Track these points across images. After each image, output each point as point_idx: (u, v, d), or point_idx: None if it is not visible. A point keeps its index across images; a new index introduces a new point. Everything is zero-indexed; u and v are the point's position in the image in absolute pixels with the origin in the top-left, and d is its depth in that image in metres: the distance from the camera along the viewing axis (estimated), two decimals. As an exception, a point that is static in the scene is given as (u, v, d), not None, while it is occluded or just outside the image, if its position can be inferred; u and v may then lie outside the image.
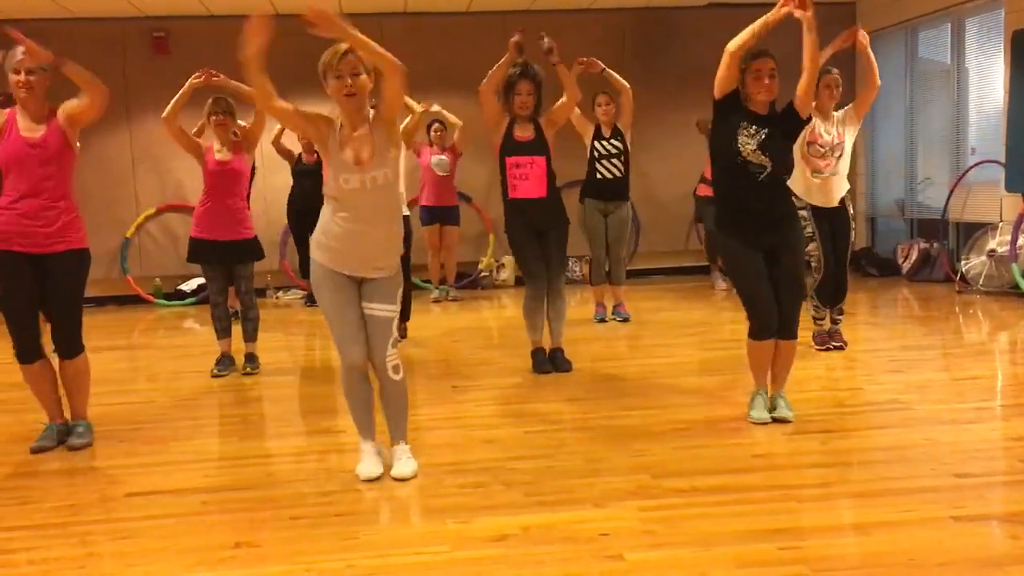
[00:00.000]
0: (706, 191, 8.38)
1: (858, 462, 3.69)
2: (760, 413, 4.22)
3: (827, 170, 5.54)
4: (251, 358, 5.85)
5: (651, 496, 3.31)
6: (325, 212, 3.58)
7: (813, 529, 2.98)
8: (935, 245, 9.07)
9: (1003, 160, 8.14)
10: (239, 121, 5.75)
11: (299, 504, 3.37)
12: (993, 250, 8.04)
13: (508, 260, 10.15)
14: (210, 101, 5.69)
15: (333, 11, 3.34)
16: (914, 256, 9.23)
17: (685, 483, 3.43)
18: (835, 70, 5.55)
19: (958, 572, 2.62)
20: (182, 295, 9.72)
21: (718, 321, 7.21)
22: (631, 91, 6.70)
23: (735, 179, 4.10)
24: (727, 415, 4.37)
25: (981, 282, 8.10)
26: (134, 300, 9.67)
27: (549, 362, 5.51)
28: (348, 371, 3.61)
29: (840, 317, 5.87)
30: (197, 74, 5.52)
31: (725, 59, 4.04)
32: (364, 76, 3.46)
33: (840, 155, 5.57)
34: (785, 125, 4.11)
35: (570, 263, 10.03)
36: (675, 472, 3.57)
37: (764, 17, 4.03)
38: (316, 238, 3.60)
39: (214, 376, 5.70)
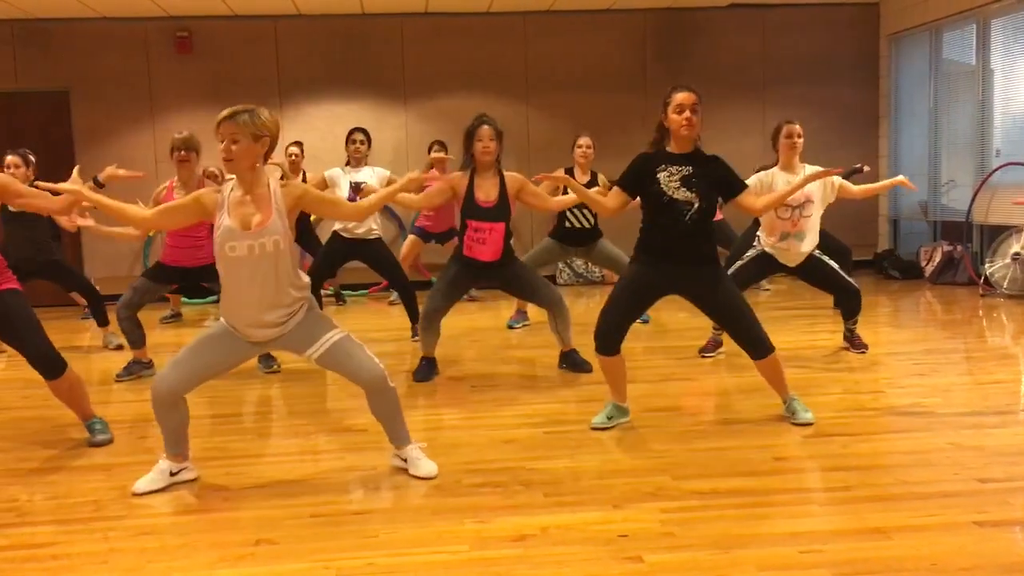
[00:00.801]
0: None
1: (880, 466, 3.67)
2: (599, 418, 4.27)
3: (793, 232, 5.40)
4: (268, 356, 5.87)
5: (671, 498, 3.30)
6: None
7: (834, 533, 2.96)
8: (959, 248, 8.99)
9: (1029, 162, 8.07)
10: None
11: (319, 502, 3.39)
12: (1018, 253, 7.97)
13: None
14: (175, 136, 5.64)
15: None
16: (937, 259, 9.16)
17: (705, 485, 3.42)
18: (795, 121, 5.41)
19: (981, 578, 2.60)
20: (204, 292, 9.77)
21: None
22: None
23: (661, 219, 4.03)
24: (747, 417, 4.35)
25: (1005, 285, 8.03)
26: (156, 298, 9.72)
27: (565, 362, 5.52)
28: (154, 392, 3.55)
29: (852, 326, 5.83)
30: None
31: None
32: (242, 144, 3.35)
33: (809, 214, 5.39)
34: (710, 169, 4.05)
35: (589, 265, 10.02)
36: (695, 474, 3.56)
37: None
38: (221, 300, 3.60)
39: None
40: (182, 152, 5.58)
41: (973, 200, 8.68)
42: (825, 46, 10.15)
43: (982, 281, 8.30)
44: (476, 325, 7.62)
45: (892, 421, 4.28)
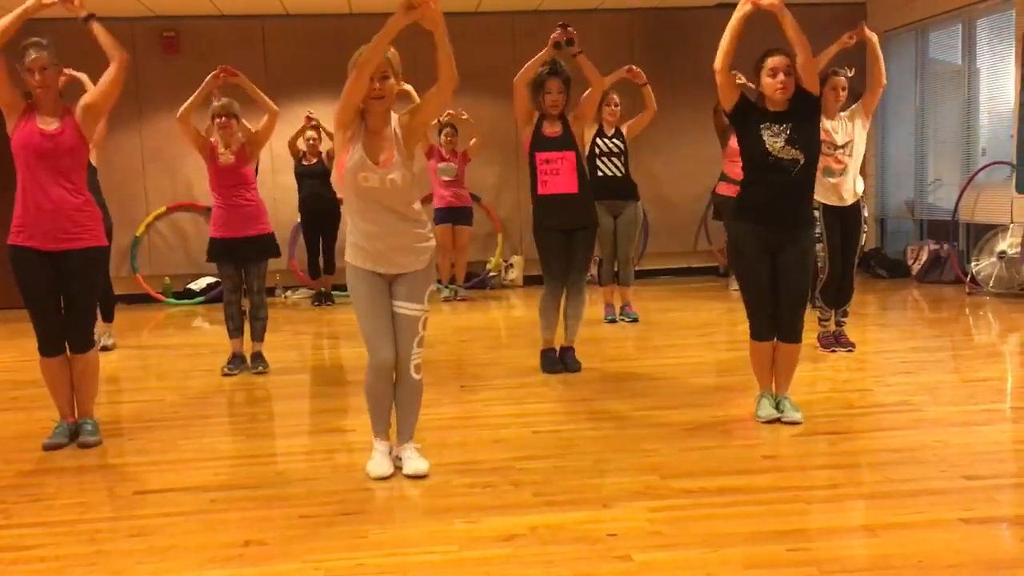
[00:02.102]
0: (726, 190, 8.06)
1: (867, 464, 3.69)
2: (766, 412, 4.22)
3: (838, 168, 5.54)
4: (258, 357, 5.86)
5: (660, 497, 3.31)
6: (347, 211, 3.62)
7: (822, 531, 2.98)
8: (945, 246, 9.03)
9: (1014, 161, 8.11)
10: (245, 124, 5.76)
11: (308, 503, 3.38)
12: (1003, 252, 8.01)
13: (516, 260, 10.16)
14: (215, 103, 5.70)
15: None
16: (924, 257, 9.20)
17: (694, 484, 3.43)
18: (843, 73, 5.53)
19: (968, 574, 2.62)
20: (191, 294, 9.75)
21: (727, 322, 7.20)
22: (654, 112, 6.88)
23: (767, 177, 4.08)
24: (736, 416, 4.37)
25: (991, 284, 8.07)
26: (144, 299, 9.70)
27: (560, 359, 5.52)
28: (374, 370, 3.62)
29: (844, 319, 5.86)
30: (215, 72, 5.52)
31: (717, 77, 4.10)
32: (392, 80, 3.48)
33: (851, 153, 5.57)
34: (801, 109, 4.09)
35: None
36: (684, 473, 3.57)
37: (730, 22, 4.08)
38: (347, 239, 3.65)
39: (224, 375, 5.72)
40: (223, 118, 5.65)
41: (959, 199, 8.72)
42: (813, 45, 10.16)
43: (968, 279, 8.35)
44: (466, 324, 7.62)
45: (879, 419, 4.30)
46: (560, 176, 5.30)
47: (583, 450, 3.93)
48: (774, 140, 4.04)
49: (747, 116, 4.12)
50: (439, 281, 9.36)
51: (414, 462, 3.66)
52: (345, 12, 9.68)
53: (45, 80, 4.09)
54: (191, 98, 5.50)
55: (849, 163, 5.58)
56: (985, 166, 8.55)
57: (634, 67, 6.51)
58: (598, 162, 6.95)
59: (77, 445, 4.22)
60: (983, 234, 8.41)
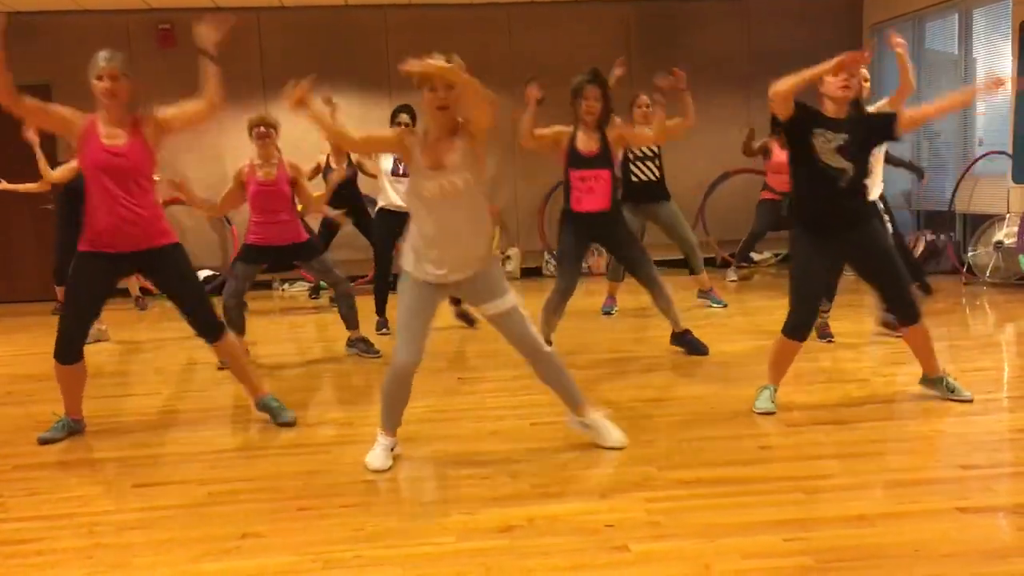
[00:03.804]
0: (766, 195, 8.74)
1: (864, 454, 3.69)
2: (764, 404, 4.23)
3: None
4: (358, 341, 5.92)
5: (656, 488, 3.32)
6: (411, 218, 3.64)
7: (818, 520, 2.98)
8: (941, 237, 9.04)
9: (1011, 151, 8.11)
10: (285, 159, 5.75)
11: (306, 495, 3.38)
12: (1000, 241, 8.02)
13: (514, 252, 10.15)
14: (250, 117, 5.68)
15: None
16: (920, 248, 9.20)
17: (690, 475, 3.44)
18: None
19: (963, 564, 2.62)
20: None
21: (726, 313, 7.20)
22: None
23: (814, 184, 4.05)
24: (733, 408, 4.37)
25: (988, 274, 8.08)
26: (142, 292, 9.67)
27: (683, 345, 5.59)
28: (392, 370, 3.64)
29: (824, 314, 5.82)
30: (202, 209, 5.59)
31: (776, 100, 3.92)
32: (456, 89, 3.45)
33: (878, 157, 5.55)
34: (872, 128, 4.06)
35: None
36: (680, 464, 3.57)
37: (822, 66, 3.90)
38: (406, 244, 3.70)
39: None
40: (261, 128, 5.63)
41: (956, 189, 8.73)
42: (809, 36, 10.14)
43: (965, 270, 8.35)
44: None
45: (875, 409, 4.30)
46: (594, 194, 5.30)
47: (580, 441, 3.93)
48: (825, 145, 3.97)
49: (804, 121, 3.99)
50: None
51: (611, 433, 3.76)
52: (341, 4, 9.66)
53: (115, 89, 4.03)
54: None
55: (876, 165, 5.53)
56: (982, 156, 8.55)
57: (677, 71, 6.07)
58: (632, 167, 6.90)
59: (277, 424, 4.32)
60: (980, 224, 8.42)
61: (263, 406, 4.42)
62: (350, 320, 5.95)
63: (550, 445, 3.89)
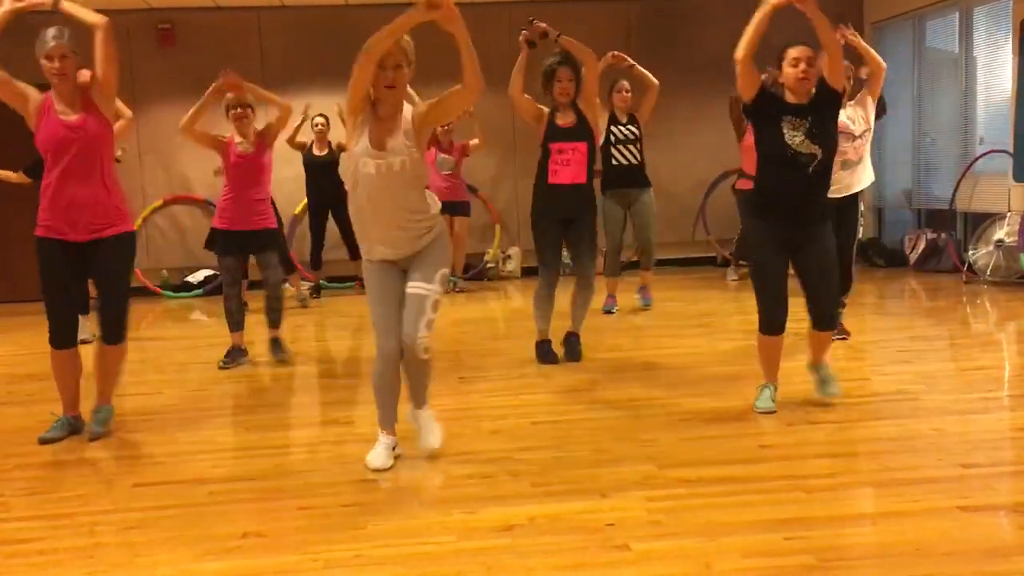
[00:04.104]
0: (746, 185, 8.26)
1: (865, 452, 3.69)
2: (765, 403, 4.22)
3: (855, 156, 5.55)
4: (277, 343, 5.89)
5: (657, 486, 3.32)
6: (350, 200, 3.65)
7: (819, 519, 2.98)
8: (942, 235, 9.04)
9: (1011, 150, 8.11)
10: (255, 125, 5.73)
11: (307, 494, 3.38)
12: (1001, 240, 8.02)
13: (514, 251, 10.15)
14: (229, 95, 5.67)
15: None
16: (921, 246, 9.20)
17: (691, 473, 3.44)
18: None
19: (964, 562, 2.62)
20: (189, 287, 9.74)
21: (725, 312, 7.20)
22: (657, 88, 6.74)
23: (784, 172, 4.05)
24: (734, 406, 4.37)
25: (988, 272, 8.07)
26: (141, 292, 9.68)
27: (563, 344, 5.55)
28: (382, 360, 3.64)
29: (841, 309, 5.84)
30: (218, 83, 5.44)
31: (738, 67, 4.04)
32: (405, 70, 3.50)
33: (865, 141, 5.59)
34: (823, 103, 4.07)
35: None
36: (681, 463, 3.57)
37: (757, 15, 4.04)
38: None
39: (221, 368, 5.72)
40: (238, 110, 5.65)
41: (957, 188, 8.72)
42: (810, 34, 10.17)
43: (966, 268, 8.35)
44: (464, 316, 7.62)
45: (876, 408, 4.30)
46: (570, 167, 5.31)
47: (581, 440, 3.93)
48: (793, 134, 4.00)
49: (767, 108, 4.06)
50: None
51: (429, 435, 3.75)
52: (341, 3, 9.65)
53: (64, 68, 4.03)
54: (193, 109, 5.42)
55: (864, 152, 5.59)
56: (982, 154, 8.54)
57: (616, 52, 6.36)
58: (613, 150, 6.92)
59: (89, 439, 4.21)
60: (980, 223, 8.41)
61: (94, 412, 4.31)
62: (277, 321, 5.90)
63: (551, 444, 3.88)
